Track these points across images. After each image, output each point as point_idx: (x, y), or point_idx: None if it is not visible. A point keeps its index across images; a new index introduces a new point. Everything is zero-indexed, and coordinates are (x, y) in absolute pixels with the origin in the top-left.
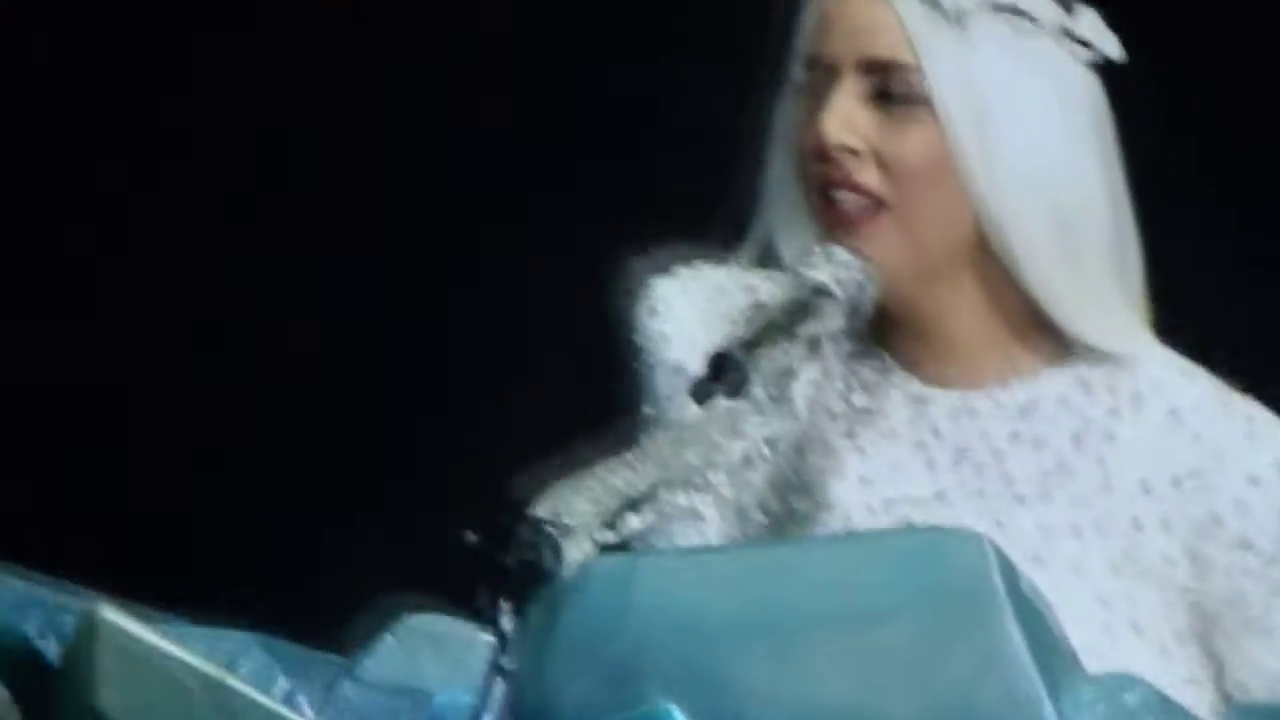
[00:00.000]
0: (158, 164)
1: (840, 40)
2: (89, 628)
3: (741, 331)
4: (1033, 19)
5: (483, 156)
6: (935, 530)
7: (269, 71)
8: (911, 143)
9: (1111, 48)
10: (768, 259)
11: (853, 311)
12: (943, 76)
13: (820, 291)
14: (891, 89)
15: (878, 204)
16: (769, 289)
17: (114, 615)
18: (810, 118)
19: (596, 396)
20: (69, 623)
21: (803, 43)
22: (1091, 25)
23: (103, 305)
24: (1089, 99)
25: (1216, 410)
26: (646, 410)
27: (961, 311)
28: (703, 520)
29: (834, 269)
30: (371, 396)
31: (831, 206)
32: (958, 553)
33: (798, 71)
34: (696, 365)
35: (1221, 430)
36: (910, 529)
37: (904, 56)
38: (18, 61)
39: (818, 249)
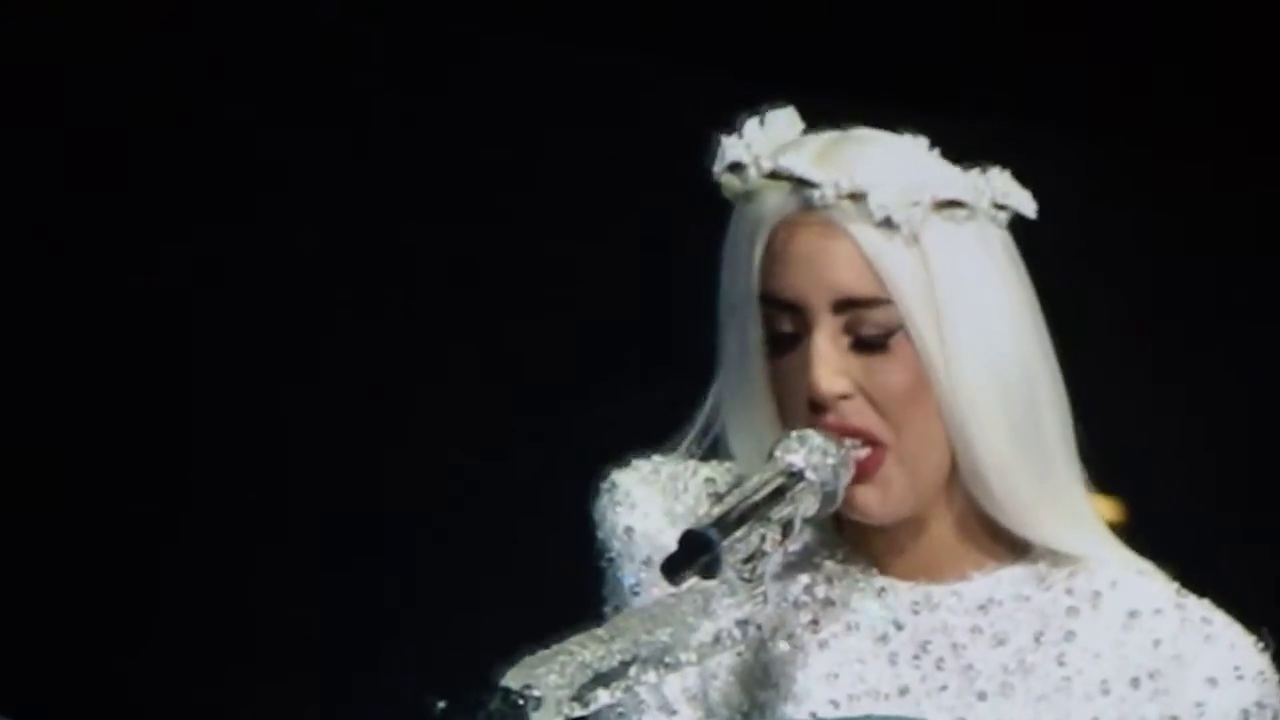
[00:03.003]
0: None
1: (804, 280)
2: None
3: (716, 512)
4: (967, 205)
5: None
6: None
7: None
8: (894, 373)
9: (1028, 206)
10: (717, 454)
11: (827, 497)
12: (914, 304)
13: (795, 475)
14: (866, 323)
15: (875, 444)
16: (727, 480)
17: None
18: (785, 360)
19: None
20: None
21: (751, 277)
22: (1007, 186)
23: None
24: (1016, 264)
25: (1174, 613)
26: (610, 608)
27: (933, 517)
28: (675, 714)
29: (809, 454)
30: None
31: None
32: None
33: (750, 305)
34: (661, 558)
35: (1180, 633)
36: (872, 717)
37: (875, 291)
38: None
39: (794, 434)
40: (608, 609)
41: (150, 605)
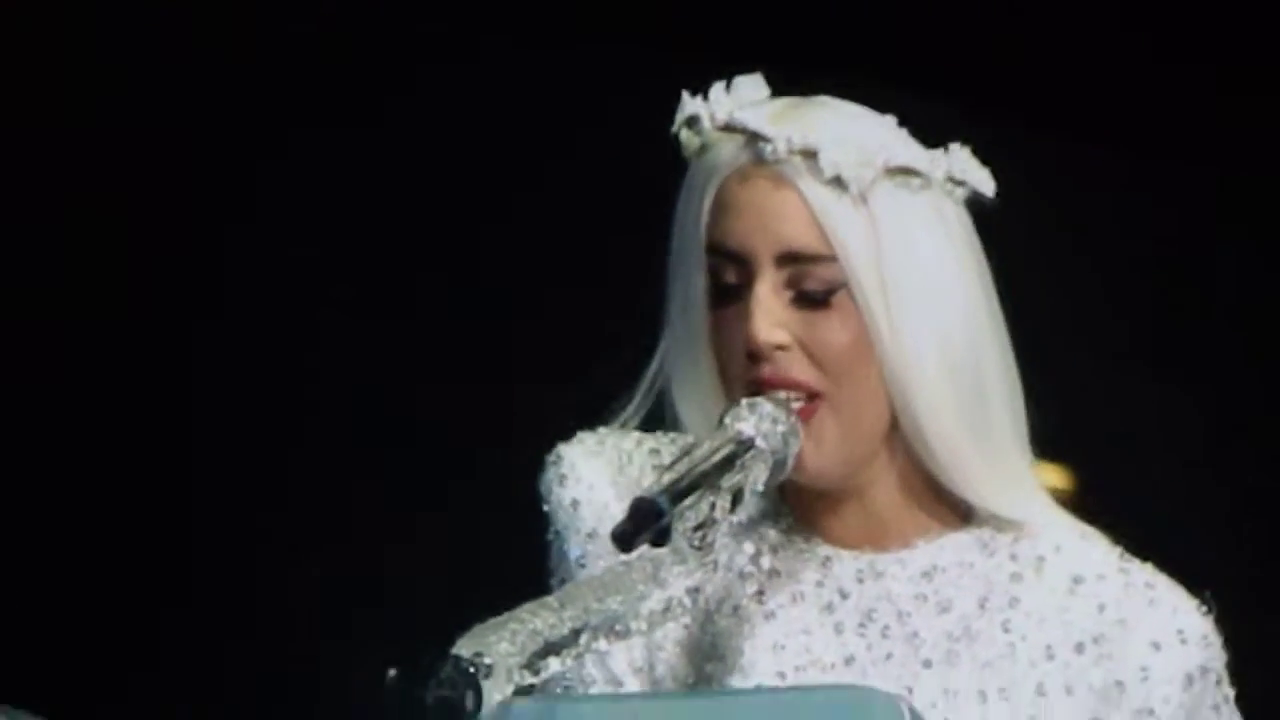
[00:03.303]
0: None
1: (751, 230)
2: None
3: (666, 480)
4: (922, 174)
5: None
6: (856, 690)
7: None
8: (834, 330)
9: (986, 184)
10: (666, 423)
11: (777, 465)
12: (858, 264)
13: (746, 444)
14: (809, 278)
15: (811, 395)
16: (673, 452)
17: None
18: (727, 310)
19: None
20: None
21: (699, 227)
22: (966, 163)
23: None
24: (971, 240)
25: (1118, 578)
26: (557, 581)
27: (875, 482)
28: (621, 687)
29: (759, 422)
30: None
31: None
32: (877, 712)
33: (696, 256)
34: (608, 530)
35: (1123, 598)
36: (833, 687)
37: (820, 248)
38: None
39: (744, 402)
40: (554, 581)
41: (150, 601)
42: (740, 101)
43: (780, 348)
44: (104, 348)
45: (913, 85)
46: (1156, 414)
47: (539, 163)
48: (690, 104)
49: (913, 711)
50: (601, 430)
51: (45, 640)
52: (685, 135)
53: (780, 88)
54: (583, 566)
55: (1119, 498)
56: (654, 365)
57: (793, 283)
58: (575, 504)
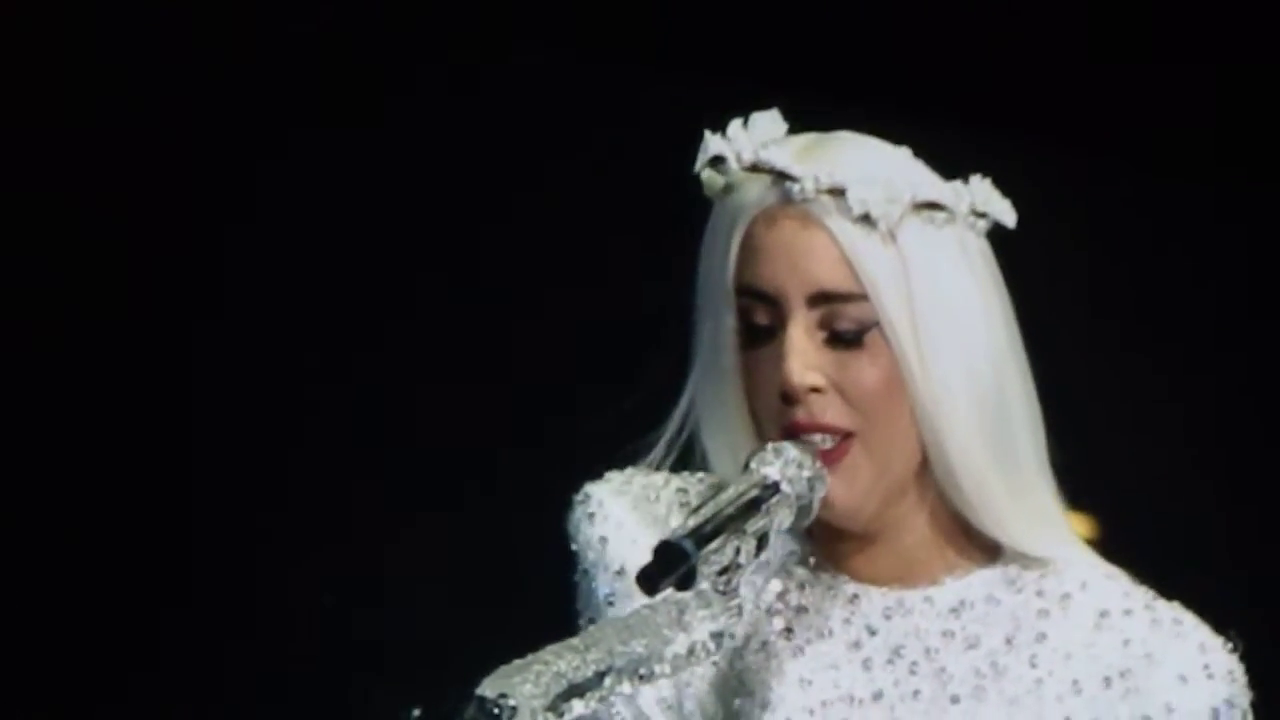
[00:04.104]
0: None
1: (781, 272)
2: None
3: (691, 524)
4: (946, 208)
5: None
6: None
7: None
8: (866, 369)
9: (1008, 216)
10: (691, 464)
11: (801, 510)
12: (889, 301)
13: (771, 488)
14: (841, 317)
15: (844, 435)
16: (699, 491)
17: None
18: (758, 352)
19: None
20: None
21: (727, 269)
22: (988, 194)
23: None
24: (993, 272)
25: (1144, 614)
26: (585, 620)
27: (904, 521)
28: None
29: (784, 466)
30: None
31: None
32: None
33: (725, 297)
34: (635, 567)
35: (1150, 633)
36: None
37: (851, 286)
38: None
39: (769, 446)
40: (582, 621)
41: (150, 601)
42: (761, 139)
43: (815, 390)
44: (104, 348)
45: (906, 106)
46: (1181, 462)
47: (539, 163)
48: (714, 143)
49: None
50: (629, 469)
51: (45, 640)
52: (709, 175)
53: (774, 99)
54: (611, 604)
55: (1144, 545)
56: (682, 406)
57: (825, 323)
58: (604, 541)
